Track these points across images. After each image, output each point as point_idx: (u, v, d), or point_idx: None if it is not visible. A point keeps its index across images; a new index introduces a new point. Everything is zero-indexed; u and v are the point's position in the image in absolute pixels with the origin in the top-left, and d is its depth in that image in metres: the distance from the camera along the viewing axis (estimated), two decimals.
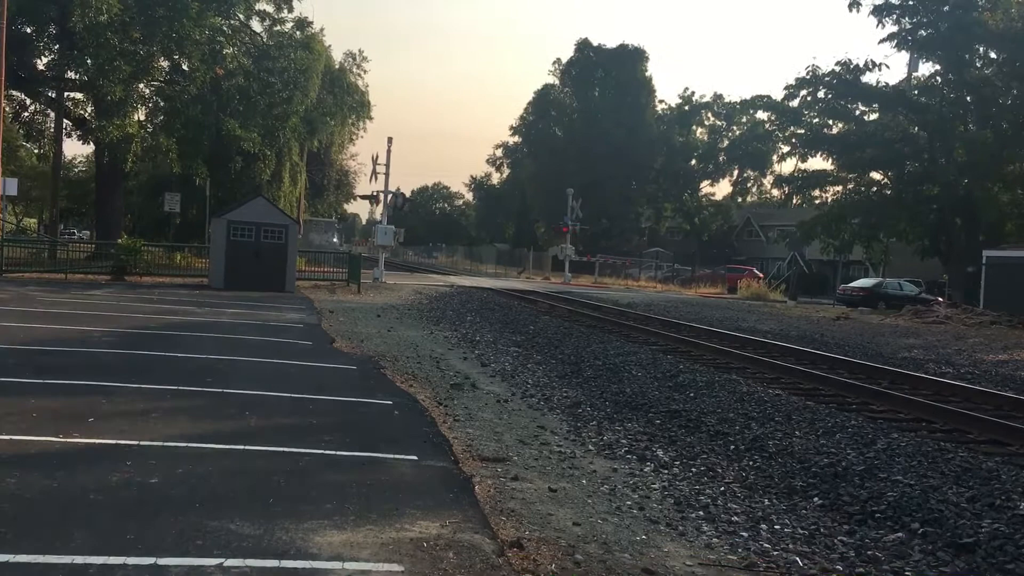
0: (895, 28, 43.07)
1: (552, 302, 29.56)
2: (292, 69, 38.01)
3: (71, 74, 35.56)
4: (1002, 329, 27.35)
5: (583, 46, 79.27)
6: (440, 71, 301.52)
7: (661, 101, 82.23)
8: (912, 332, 25.79)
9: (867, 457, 8.18)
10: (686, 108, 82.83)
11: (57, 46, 35.21)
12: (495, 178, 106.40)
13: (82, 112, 37.98)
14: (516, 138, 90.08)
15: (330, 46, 45.86)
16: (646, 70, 77.98)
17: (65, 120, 37.34)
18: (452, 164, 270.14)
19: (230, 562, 4.59)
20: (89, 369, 10.40)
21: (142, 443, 7.00)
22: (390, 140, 36.36)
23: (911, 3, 42.48)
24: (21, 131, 41.41)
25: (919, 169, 43.55)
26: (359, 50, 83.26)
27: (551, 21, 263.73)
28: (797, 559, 5.59)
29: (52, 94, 36.78)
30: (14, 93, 36.35)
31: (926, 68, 46.01)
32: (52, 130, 38.00)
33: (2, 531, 4.84)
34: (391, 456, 7.21)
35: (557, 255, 55.92)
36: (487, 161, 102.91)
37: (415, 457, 7.24)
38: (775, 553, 5.70)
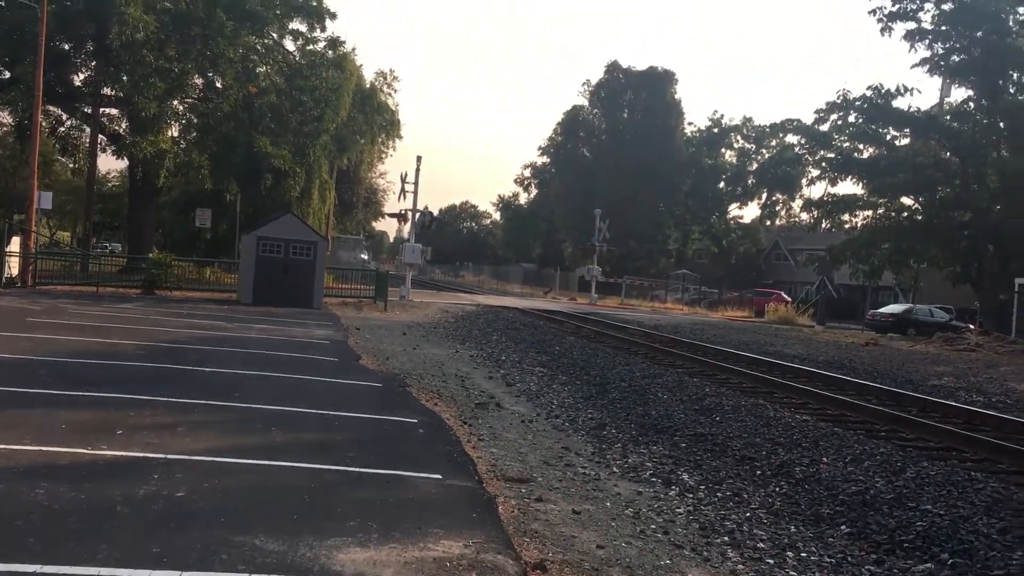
0: (928, 53, 42.91)
1: (578, 323, 29.50)
2: (324, 87, 38.42)
3: (107, 90, 36.17)
4: None
5: (612, 68, 79.55)
6: (469, 91, 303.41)
7: (690, 123, 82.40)
8: (942, 359, 25.47)
9: (896, 485, 8.08)
10: (715, 130, 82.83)
11: (94, 62, 35.83)
12: (523, 198, 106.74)
13: (117, 128, 38.54)
14: (544, 158, 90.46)
15: (361, 65, 46.46)
16: (675, 92, 78.11)
17: (100, 135, 37.90)
18: (480, 183, 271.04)
19: None
20: (118, 382, 10.50)
21: (169, 456, 7.04)
22: (419, 159, 36.50)
23: (944, 28, 42.28)
24: (57, 145, 41.99)
25: (951, 195, 43.13)
26: (390, 70, 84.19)
27: (581, 43, 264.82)
28: None
29: (88, 109, 37.36)
30: (51, 108, 36.97)
31: (959, 93, 45.71)
32: (87, 145, 38.55)
33: (31, 541, 4.88)
34: (415, 474, 7.21)
35: (584, 276, 55.87)
36: (515, 181, 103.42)
37: (439, 476, 7.23)
38: None
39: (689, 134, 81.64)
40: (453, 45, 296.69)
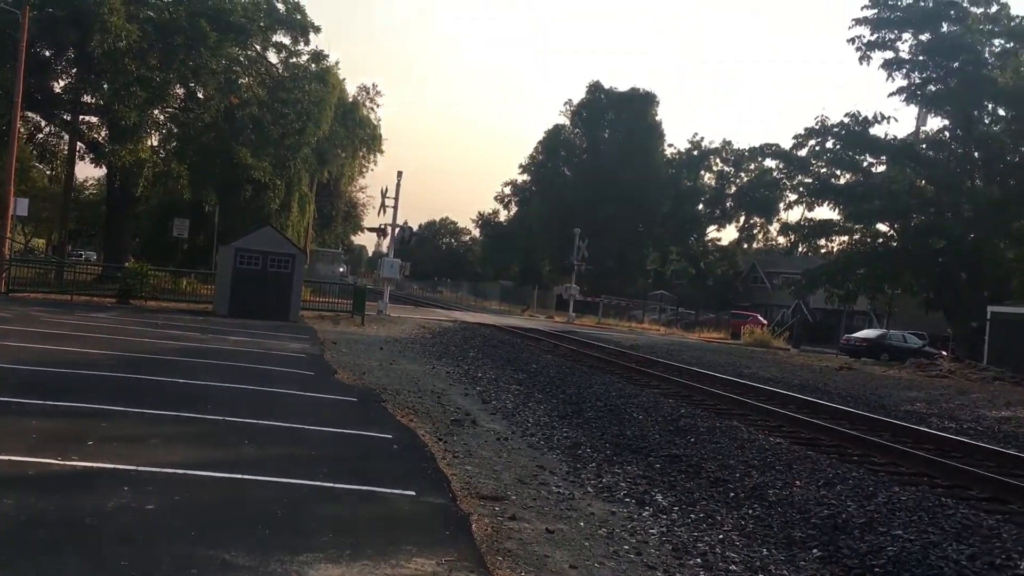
0: (905, 82, 43.58)
1: (555, 341, 29.54)
2: (306, 101, 38.40)
3: (87, 98, 35.97)
4: (1005, 385, 27.24)
5: (594, 88, 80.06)
6: (452, 107, 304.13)
7: (670, 145, 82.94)
8: (915, 385, 25.69)
9: (867, 510, 8.12)
10: (695, 153, 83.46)
11: (75, 70, 35.63)
12: (502, 215, 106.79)
13: (96, 136, 38.30)
14: (525, 177, 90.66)
15: (344, 79, 46.40)
16: (656, 114, 78.70)
17: (79, 143, 37.64)
18: (460, 200, 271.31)
19: None
20: (90, 392, 10.39)
21: (140, 468, 6.97)
22: (399, 174, 36.59)
23: (921, 58, 42.96)
24: (34, 152, 41.68)
25: (925, 222, 43.67)
26: (373, 84, 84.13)
27: (564, 62, 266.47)
28: None
29: (67, 117, 37.14)
30: (30, 115, 36.72)
31: (935, 123, 46.40)
32: (65, 152, 38.29)
33: None
34: (389, 491, 7.18)
35: (562, 294, 56.08)
36: (495, 198, 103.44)
37: (413, 492, 7.20)
38: None
39: (669, 156, 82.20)
40: (436, 62, 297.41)
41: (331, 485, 7.15)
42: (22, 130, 37.95)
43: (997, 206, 39.63)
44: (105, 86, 33.90)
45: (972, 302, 41.01)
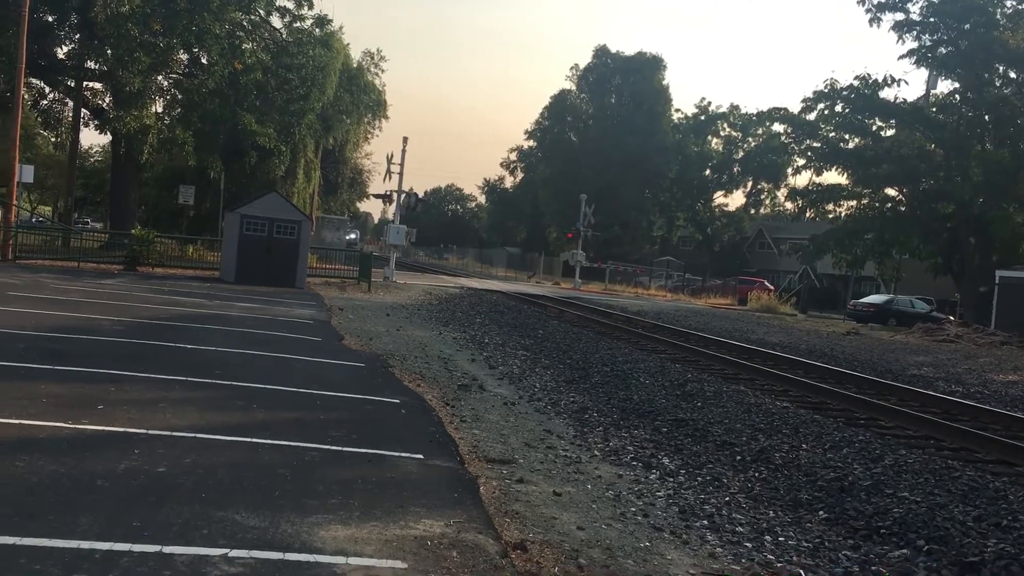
0: (915, 44, 43.05)
1: (562, 307, 29.54)
2: (310, 66, 38.07)
3: (91, 64, 35.70)
4: (1013, 350, 27.21)
5: (601, 52, 79.28)
6: (457, 73, 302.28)
7: (677, 110, 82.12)
8: (922, 350, 25.68)
9: (874, 472, 8.15)
10: (702, 118, 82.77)
11: (78, 36, 35.34)
12: (508, 182, 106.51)
13: (100, 102, 38.11)
14: (531, 142, 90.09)
15: (348, 44, 46.06)
16: (663, 78, 77.92)
17: (83, 110, 37.48)
18: (466, 166, 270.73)
19: (235, 553, 4.61)
20: (99, 357, 10.44)
21: (150, 432, 7.02)
22: (405, 140, 36.35)
23: (932, 20, 42.42)
24: (39, 119, 41.47)
25: (934, 187, 43.40)
26: (377, 49, 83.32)
27: (570, 26, 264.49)
28: (800, 572, 5.57)
29: (71, 83, 36.92)
30: (33, 81, 36.50)
31: (945, 85, 45.91)
32: (70, 119, 38.12)
33: (9, 514, 4.86)
34: (397, 454, 7.22)
35: (568, 260, 55.89)
36: (501, 164, 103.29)
37: (421, 456, 7.24)
38: (779, 565, 5.68)
39: (676, 120, 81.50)
40: (441, 27, 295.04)
41: (340, 449, 7.19)
42: (26, 96, 37.78)
43: (1007, 170, 39.32)
44: (108, 52, 33.58)
45: (980, 267, 40.87)
